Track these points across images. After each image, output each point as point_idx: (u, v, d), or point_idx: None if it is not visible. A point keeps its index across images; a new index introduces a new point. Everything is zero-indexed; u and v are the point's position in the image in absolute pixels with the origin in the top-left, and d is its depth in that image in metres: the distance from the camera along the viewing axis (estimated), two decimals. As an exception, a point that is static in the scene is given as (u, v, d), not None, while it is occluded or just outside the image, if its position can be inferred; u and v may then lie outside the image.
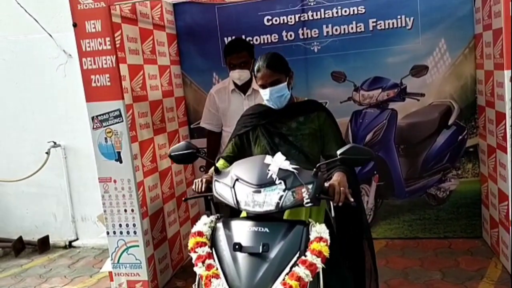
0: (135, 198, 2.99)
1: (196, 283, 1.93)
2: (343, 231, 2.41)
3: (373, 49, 3.93)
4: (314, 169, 2.03)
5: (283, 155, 2.27)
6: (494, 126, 3.41)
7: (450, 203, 4.03)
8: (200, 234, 1.99)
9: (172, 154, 2.26)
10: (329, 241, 1.89)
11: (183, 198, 2.45)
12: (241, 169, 2.07)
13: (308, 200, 1.94)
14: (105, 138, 2.95)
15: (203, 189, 2.18)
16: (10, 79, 4.76)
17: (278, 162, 2.00)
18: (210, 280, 1.83)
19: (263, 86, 2.34)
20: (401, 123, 4.01)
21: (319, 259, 1.83)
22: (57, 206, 4.89)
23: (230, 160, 2.42)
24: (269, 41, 4.08)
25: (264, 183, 1.96)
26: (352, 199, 2.05)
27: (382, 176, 4.11)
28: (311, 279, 1.81)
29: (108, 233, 3.06)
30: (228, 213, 2.21)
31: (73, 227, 4.89)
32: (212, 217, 2.08)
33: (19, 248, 4.78)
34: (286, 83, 2.35)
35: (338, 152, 2.05)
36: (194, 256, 1.93)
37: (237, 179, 2.01)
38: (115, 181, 2.98)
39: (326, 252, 1.85)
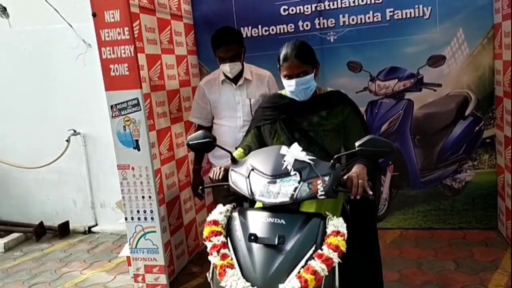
0: (153, 185, 3.06)
1: (210, 272, 1.91)
2: (358, 223, 2.34)
3: (390, 39, 3.91)
4: (332, 161, 1.98)
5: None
6: (510, 117, 3.38)
7: (466, 194, 4.01)
8: (215, 223, 1.97)
9: (190, 142, 2.25)
10: (346, 236, 1.85)
11: (200, 187, 2.45)
12: (256, 159, 2.05)
13: (323, 192, 1.90)
14: (124, 127, 3.01)
15: (220, 177, 2.15)
16: (31, 69, 4.86)
17: (294, 153, 1.96)
18: (224, 270, 1.81)
19: (289, 77, 2.25)
20: (417, 114, 3.99)
21: (335, 254, 1.79)
22: (77, 192, 5.01)
23: (249, 150, 2.38)
24: (285, 31, 4.08)
25: (279, 174, 1.93)
26: (370, 192, 1.98)
27: (397, 166, 4.11)
28: (326, 273, 1.76)
29: (126, 219, 3.13)
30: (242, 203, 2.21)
31: (93, 213, 5.01)
32: (228, 206, 2.07)
33: (40, 233, 4.92)
34: (313, 74, 2.27)
35: (357, 144, 1.97)
36: (209, 245, 1.91)
37: (252, 169, 1.99)
38: (133, 169, 3.05)
39: (343, 246, 1.82)
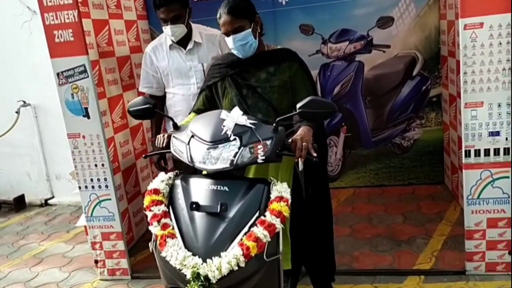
0: (105, 153, 3.04)
1: (152, 242, 1.85)
2: (310, 184, 2.39)
3: (340, 1, 3.95)
4: (274, 124, 1.94)
5: (249, 108, 2.23)
6: (455, 75, 3.52)
7: (414, 151, 4.19)
8: (156, 191, 1.92)
9: (130, 109, 2.16)
10: (290, 201, 1.83)
11: (143, 155, 2.33)
12: (197, 125, 1.98)
13: (264, 157, 1.86)
14: (72, 94, 2.94)
15: (164, 145, 2.09)
16: (-27, 37, 4.64)
17: (234, 117, 1.91)
18: (165, 240, 1.77)
19: (226, 34, 2.20)
20: (368, 75, 4.09)
21: (278, 220, 1.77)
22: (31, 165, 4.91)
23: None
24: (237, -6, 4.04)
25: (219, 139, 1.87)
26: (315, 155, 1.93)
27: (349, 127, 4.23)
28: (269, 240, 1.74)
29: (80, 187, 3.11)
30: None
31: (48, 185, 4.94)
32: (171, 174, 2.01)
33: (-5, 207, 4.83)
34: (250, 29, 2.19)
35: (298, 105, 1.94)
36: (149, 214, 1.86)
37: (192, 136, 1.94)
38: (84, 137, 3.00)
39: (286, 212, 1.80)
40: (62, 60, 2.90)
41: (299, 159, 1.93)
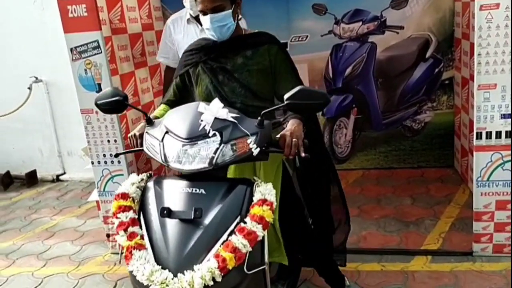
0: (118, 129, 3.06)
1: (119, 253, 1.64)
2: (309, 186, 2.26)
3: (354, -19, 3.91)
4: (259, 118, 1.72)
5: (226, 96, 2.03)
6: (468, 58, 3.49)
7: (425, 134, 4.18)
8: (124, 196, 1.71)
9: (97, 102, 1.91)
10: (274, 204, 1.63)
11: (114, 154, 2.13)
12: (172, 120, 1.76)
13: (248, 155, 1.65)
14: (85, 70, 2.96)
15: (138, 145, 1.91)
16: (-14, 13, 4.66)
17: (213, 110, 1.69)
18: (131, 252, 1.56)
19: (204, 13, 1.98)
20: (380, 56, 4.06)
21: (260, 226, 1.55)
22: (43, 141, 4.97)
23: (173, 106, 2.07)
24: (250, -28, 4.01)
25: (196, 135, 1.65)
26: (303, 154, 1.74)
27: (360, 109, 4.22)
28: (249, 250, 1.53)
29: (92, 163, 3.15)
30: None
31: (60, 161, 5.00)
32: (143, 175, 1.81)
33: (7, 182, 4.91)
34: (231, 11, 1.98)
35: (285, 96, 1.72)
36: (116, 222, 1.65)
37: (167, 132, 1.72)
38: (97, 113, 3.02)
39: (269, 217, 1.58)
40: (75, 36, 2.92)
41: (287, 157, 1.76)
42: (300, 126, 1.85)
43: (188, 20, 3.08)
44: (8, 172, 4.90)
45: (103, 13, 3.18)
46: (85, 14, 2.87)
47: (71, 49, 2.95)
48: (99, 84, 2.99)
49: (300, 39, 4.11)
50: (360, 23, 4.02)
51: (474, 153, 2.68)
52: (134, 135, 1.94)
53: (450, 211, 3.38)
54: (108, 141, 3.09)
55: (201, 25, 2.93)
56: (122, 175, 3.13)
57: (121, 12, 3.46)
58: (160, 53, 3.31)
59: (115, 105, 1.88)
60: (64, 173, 5.02)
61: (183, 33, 3.10)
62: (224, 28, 2.01)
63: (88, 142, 3.11)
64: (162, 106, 2.19)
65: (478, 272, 2.63)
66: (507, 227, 2.71)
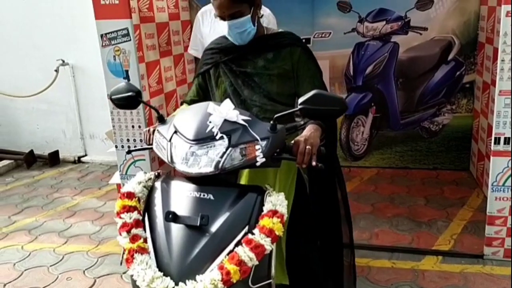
0: (142, 115, 3.16)
1: (121, 256, 1.54)
2: (318, 200, 2.11)
3: (380, -20, 3.93)
4: (271, 122, 1.62)
5: (245, 100, 1.98)
6: (490, 63, 3.50)
7: (442, 136, 4.20)
8: (129, 195, 1.63)
9: (112, 97, 1.87)
10: (285, 217, 1.55)
11: (126, 151, 2.12)
12: (181, 119, 1.68)
13: (263, 160, 1.56)
14: (114, 56, 3.05)
15: (149, 142, 1.84)
16: (17, -4, 4.79)
17: (223, 112, 1.60)
18: (133, 256, 1.48)
19: (221, 18, 1.91)
20: (402, 57, 4.08)
21: (268, 240, 1.47)
22: (66, 123, 5.10)
23: None
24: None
25: (203, 137, 1.57)
26: (314, 163, 1.62)
27: (379, 108, 4.26)
28: (256, 263, 1.45)
29: (116, 147, 3.25)
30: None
31: (82, 143, 5.14)
32: (150, 174, 1.73)
33: (30, 160, 5.05)
34: (249, 15, 1.88)
35: (299, 100, 1.62)
36: (119, 222, 1.58)
37: (175, 131, 1.64)
38: (123, 98, 3.13)
39: (279, 230, 1.50)
40: (106, 22, 3.00)
41: (299, 165, 1.66)
42: (317, 132, 1.74)
43: (215, 14, 3.07)
44: (31, 151, 5.05)
45: (133, 1, 3.25)
46: (117, 2, 2.95)
47: (101, 36, 3.04)
48: (127, 71, 3.08)
49: (323, 35, 4.15)
50: (384, 22, 4.04)
51: (491, 158, 2.71)
52: (148, 130, 1.87)
53: (463, 213, 3.41)
54: (133, 126, 3.19)
55: None
56: (144, 159, 3.23)
57: (150, 1, 3.54)
58: (191, 45, 3.34)
59: (128, 101, 1.84)
60: (86, 155, 5.16)
61: (210, 27, 3.09)
62: (244, 34, 1.93)
63: (113, 126, 3.21)
64: (184, 105, 2.13)
65: (487, 275, 2.68)
66: (518, 232, 2.75)
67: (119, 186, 3.70)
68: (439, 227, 3.22)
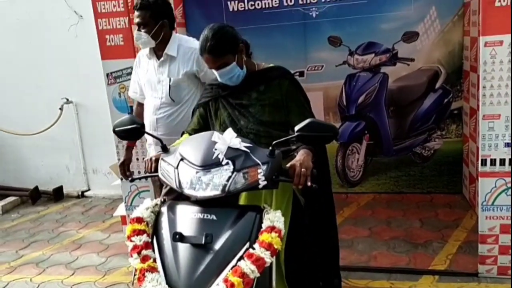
0: (146, 148, 3.31)
1: (132, 276, 1.71)
2: (313, 212, 2.29)
3: (368, 15, 4.16)
4: (270, 148, 1.81)
5: (241, 129, 2.14)
6: (476, 89, 3.69)
7: (434, 161, 4.36)
8: (139, 220, 1.79)
9: (115, 129, 2.01)
10: (282, 231, 1.70)
11: (129, 179, 2.21)
12: (187, 148, 1.84)
13: (259, 183, 1.73)
14: (119, 93, 3.24)
15: (153, 170, 1.98)
16: (24, 38, 5.02)
17: (227, 139, 1.78)
18: (144, 274, 1.63)
19: (211, 68, 2.14)
20: (392, 86, 4.29)
21: (268, 253, 1.62)
22: (70, 159, 5.25)
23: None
24: (270, 5, 4.29)
25: (209, 163, 1.73)
26: (309, 183, 1.81)
27: (372, 135, 4.43)
28: (257, 275, 1.59)
29: (121, 179, 3.39)
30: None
31: (85, 178, 5.27)
32: (157, 201, 1.89)
33: (35, 196, 5.17)
34: (234, 63, 2.09)
35: (296, 128, 1.82)
36: (129, 245, 1.73)
37: (181, 159, 1.79)
38: (127, 133, 3.29)
39: (277, 244, 1.65)
40: (112, 62, 3.21)
41: (296, 186, 1.84)
42: (309, 156, 1.93)
43: (148, 55, 2.86)
44: (36, 187, 5.18)
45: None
46: (122, 43, 3.17)
47: (107, 74, 3.24)
48: (131, 107, 3.26)
49: (316, 68, 4.37)
50: (373, 55, 4.26)
51: (479, 178, 2.86)
52: (150, 159, 2.01)
53: (457, 234, 3.53)
54: (137, 159, 3.33)
55: (158, 59, 2.81)
56: (148, 190, 3.37)
57: (152, 41, 3.75)
58: (130, 89, 3.06)
59: (132, 133, 1.99)
60: (89, 189, 5.28)
61: (145, 68, 2.91)
62: (233, 78, 2.13)
63: (118, 159, 3.35)
64: (185, 135, 2.27)
65: (482, 292, 2.78)
66: (510, 250, 2.86)
67: (123, 218, 3.82)
68: (435, 248, 3.33)
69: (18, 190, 5.27)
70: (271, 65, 2.29)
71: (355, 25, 4.22)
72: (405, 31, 4.12)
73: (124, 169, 3.03)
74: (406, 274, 3.02)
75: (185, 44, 2.81)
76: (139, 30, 2.71)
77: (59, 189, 5.21)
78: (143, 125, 2.02)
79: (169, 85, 2.77)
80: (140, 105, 3.00)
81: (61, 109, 5.00)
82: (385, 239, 3.55)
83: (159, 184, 2.82)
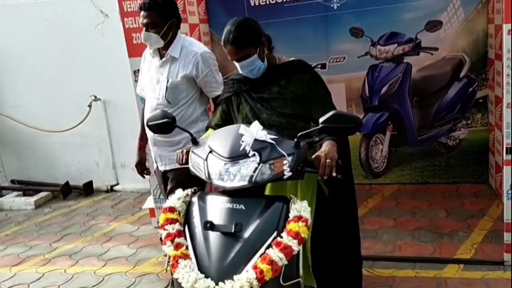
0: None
1: (166, 263, 1.78)
2: (336, 202, 2.31)
3: (390, 6, 4.15)
4: (296, 139, 1.85)
5: (264, 122, 2.13)
6: (501, 78, 3.64)
7: (460, 151, 4.33)
8: (171, 209, 1.87)
9: (148, 123, 2.13)
10: (309, 221, 1.75)
11: (162, 170, 2.27)
12: (215, 140, 1.91)
13: (285, 174, 1.78)
14: (145, 90, 3.34)
15: (184, 161, 2.04)
16: (53, 38, 5.17)
17: (253, 132, 1.83)
18: (177, 261, 1.71)
19: (233, 60, 2.17)
20: (415, 76, 4.27)
21: (295, 241, 1.67)
22: (99, 154, 5.40)
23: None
24: (292, -1, 4.33)
25: (237, 155, 1.79)
26: (334, 174, 1.84)
27: (396, 126, 4.42)
28: (285, 263, 1.65)
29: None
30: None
31: (114, 173, 5.42)
32: (188, 191, 1.95)
33: (66, 191, 5.35)
34: (256, 55, 2.13)
35: (320, 120, 1.86)
36: (163, 233, 1.80)
37: (210, 151, 1.86)
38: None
39: (304, 233, 1.70)
40: (138, 60, 3.26)
41: (321, 177, 1.86)
42: (334, 147, 1.96)
43: (152, 54, 2.83)
44: (67, 183, 5.36)
45: (161, 39, 3.57)
46: (147, 40, 3.25)
47: (134, 71, 3.33)
48: (158, 102, 3.34)
49: (338, 60, 4.38)
50: (396, 45, 4.25)
51: (504, 167, 2.85)
52: (182, 151, 2.08)
53: (483, 224, 3.51)
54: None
55: (161, 59, 2.78)
56: (175, 184, 3.46)
57: (176, 37, 3.83)
58: (138, 86, 3.07)
59: (164, 127, 2.08)
60: (118, 184, 5.43)
61: (148, 66, 2.90)
62: (254, 70, 2.17)
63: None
64: (210, 130, 2.34)
65: (508, 280, 2.76)
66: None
67: (151, 210, 3.94)
68: (460, 237, 3.33)
69: (50, 186, 5.45)
70: (292, 59, 2.32)
71: (377, 15, 4.22)
72: (428, 20, 4.09)
73: (141, 169, 3.11)
74: (431, 263, 3.04)
75: (189, 47, 2.77)
76: (147, 30, 2.66)
77: (89, 184, 5.37)
78: (174, 119, 2.09)
79: (166, 87, 2.74)
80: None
81: (89, 106, 5.14)
82: (410, 229, 3.56)
83: (161, 180, 2.93)
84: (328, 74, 4.24)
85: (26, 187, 5.49)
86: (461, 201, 3.98)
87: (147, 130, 2.80)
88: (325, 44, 4.34)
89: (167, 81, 2.74)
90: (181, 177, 2.67)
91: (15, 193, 5.44)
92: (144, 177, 3.17)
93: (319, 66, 4.31)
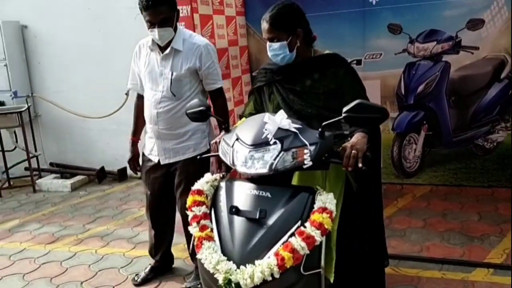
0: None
1: (191, 243, 1.83)
2: (363, 201, 2.26)
3: (430, 2, 4.06)
4: (320, 129, 1.84)
5: (295, 113, 2.15)
6: (544, 80, 3.52)
7: (497, 154, 4.20)
8: (199, 192, 1.92)
9: (187, 112, 2.19)
10: (334, 213, 1.75)
11: (197, 156, 2.36)
12: (243, 128, 1.95)
13: (308, 163, 1.78)
14: (179, 79, 3.39)
15: (217, 150, 2.08)
16: (95, 27, 5.33)
17: (277, 120, 1.85)
18: (201, 242, 1.76)
19: (264, 37, 2.18)
20: (454, 75, 4.16)
21: (318, 232, 1.68)
22: (133, 141, 5.52)
23: None
24: (330, -6, 4.30)
25: (259, 143, 1.82)
26: (360, 165, 1.83)
27: (431, 126, 4.33)
28: (307, 252, 1.66)
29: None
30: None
31: (147, 160, 5.52)
32: (216, 176, 2.01)
33: (101, 176, 5.51)
34: (286, 42, 2.12)
35: (343, 110, 1.82)
36: (190, 214, 1.86)
37: (237, 139, 1.91)
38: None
39: (328, 224, 1.70)
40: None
41: (345, 168, 1.85)
42: (364, 139, 1.92)
43: (150, 47, 2.79)
44: (102, 168, 5.52)
45: (197, 30, 3.62)
46: (184, 30, 3.31)
47: (169, 61, 3.38)
48: (191, 91, 3.39)
49: (374, 56, 4.32)
50: (435, 43, 4.15)
51: (541, 171, 2.75)
52: (215, 142, 2.13)
53: (517, 229, 3.41)
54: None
55: (162, 52, 2.72)
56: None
57: (212, 29, 3.89)
58: (129, 80, 3.02)
59: (200, 114, 2.14)
60: (150, 171, 5.54)
61: (145, 59, 2.84)
62: (279, 57, 2.16)
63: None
64: (243, 119, 2.31)
65: (540, 287, 2.68)
66: None
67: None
68: (492, 242, 3.24)
69: (86, 170, 5.63)
70: (327, 51, 2.27)
71: (416, 12, 4.13)
72: (470, 18, 3.98)
73: (134, 165, 3.16)
74: (459, 265, 2.97)
75: (190, 40, 2.75)
76: (161, 26, 2.58)
77: (123, 170, 5.51)
78: (209, 108, 2.15)
79: (171, 80, 2.72)
80: (140, 98, 2.97)
81: (126, 94, 5.26)
82: (439, 230, 3.49)
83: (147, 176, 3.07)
84: (364, 71, 4.19)
85: (64, 170, 5.67)
86: (495, 205, 3.86)
87: (148, 125, 2.88)
88: (362, 40, 4.29)
89: (172, 74, 2.72)
90: (189, 168, 2.75)
91: (53, 175, 5.65)
92: (136, 173, 3.23)
93: (354, 62, 4.26)
